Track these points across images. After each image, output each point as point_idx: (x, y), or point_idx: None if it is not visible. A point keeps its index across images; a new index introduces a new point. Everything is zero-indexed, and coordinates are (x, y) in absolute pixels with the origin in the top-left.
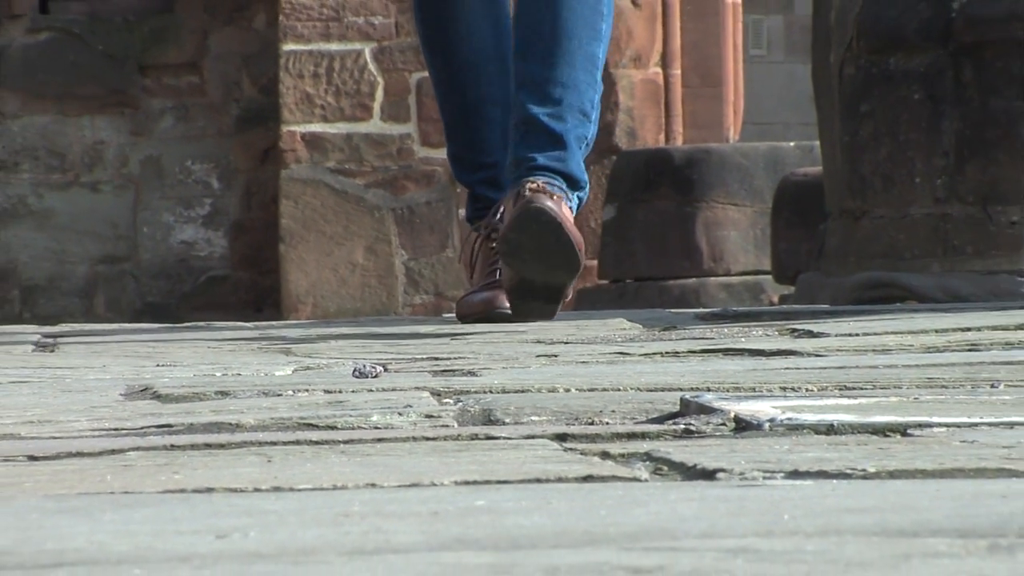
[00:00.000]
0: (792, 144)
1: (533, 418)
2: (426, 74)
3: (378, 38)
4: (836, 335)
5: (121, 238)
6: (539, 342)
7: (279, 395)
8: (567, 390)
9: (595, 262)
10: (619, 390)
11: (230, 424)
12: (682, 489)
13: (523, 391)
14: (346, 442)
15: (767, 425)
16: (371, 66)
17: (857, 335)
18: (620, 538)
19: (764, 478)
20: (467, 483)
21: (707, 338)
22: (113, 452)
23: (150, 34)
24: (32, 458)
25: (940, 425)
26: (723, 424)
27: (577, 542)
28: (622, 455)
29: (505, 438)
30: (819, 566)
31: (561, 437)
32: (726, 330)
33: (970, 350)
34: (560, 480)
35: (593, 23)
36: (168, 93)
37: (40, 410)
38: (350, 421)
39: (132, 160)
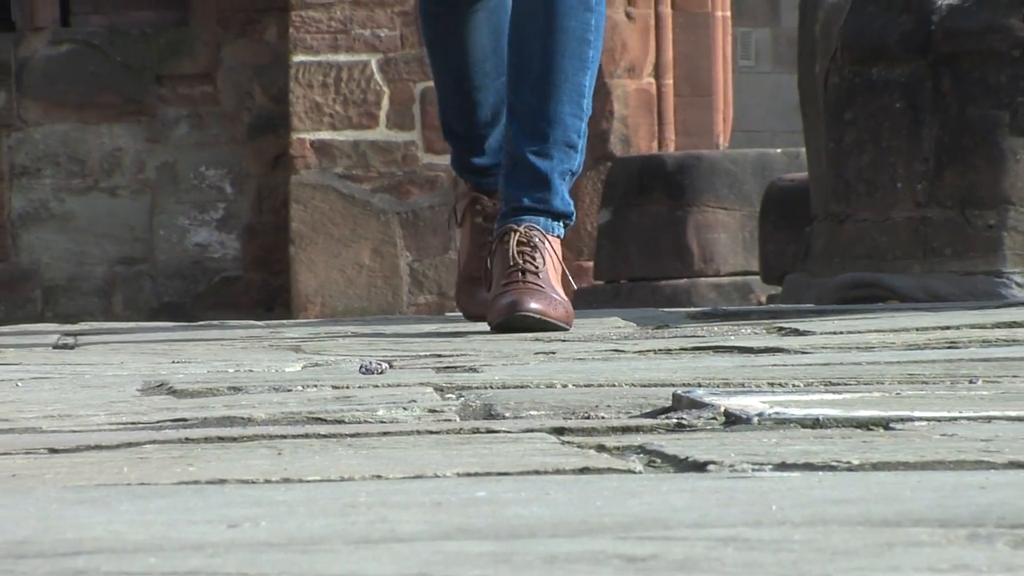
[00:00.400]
0: (779, 151)
1: (532, 412)
2: (430, 83)
3: (384, 50)
4: (821, 333)
5: (138, 240)
6: (537, 340)
7: (289, 391)
8: (564, 386)
9: (591, 263)
10: (614, 386)
11: (242, 418)
12: (674, 481)
13: (522, 387)
14: (353, 435)
15: (756, 419)
16: (377, 76)
17: (841, 333)
18: (615, 528)
19: (753, 470)
20: (469, 475)
21: (698, 336)
22: (130, 445)
23: (166, 46)
24: (52, 451)
25: (921, 419)
26: (714, 418)
27: (574, 531)
28: (617, 448)
29: (505, 432)
30: (806, 554)
31: (559, 431)
32: (716, 328)
33: (949, 347)
34: (558, 472)
35: (581, 54)
36: (183, 102)
37: (60, 405)
38: (357, 415)
39: (149, 166)
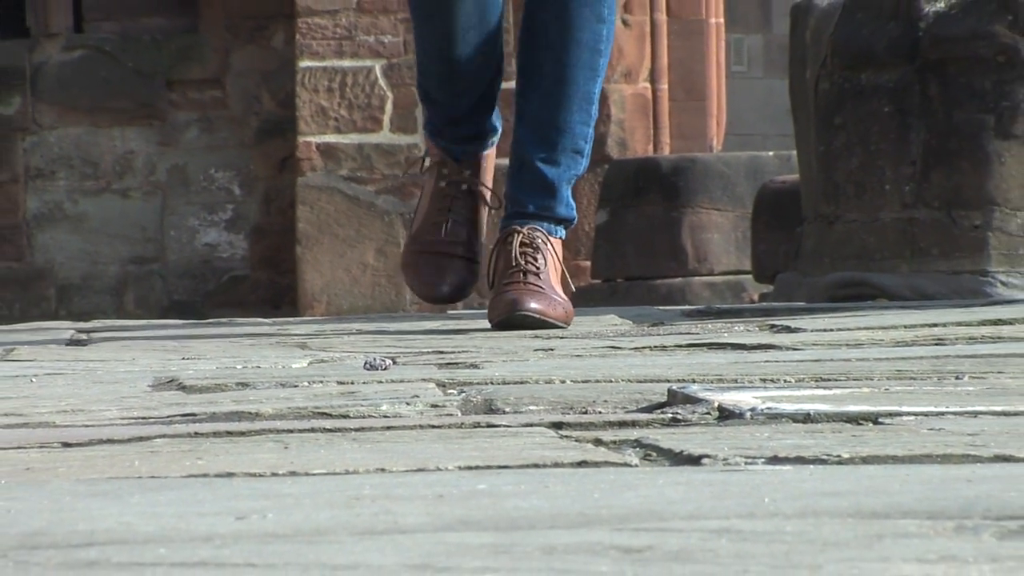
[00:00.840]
0: (771, 154)
1: (531, 407)
2: None
3: (387, 55)
4: (812, 330)
5: (149, 240)
6: (537, 337)
7: (295, 386)
8: (563, 381)
9: (588, 263)
10: (611, 381)
11: (250, 413)
12: (670, 474)
13: (522, 382)
14: (357, 430)
15: (748, 414)
16: (381, 81)
17: (832, 330)
18: (612, 519)
19: (746, 463)
20: (470, 468)
21: (692, 333)
22: (141, 439)
23: (176, 52)
24: (66, 445)
25: (909, 414)
26: (708, 413)
27: (572, 523)
28: (614, 442)
29: (505, 426)
30: (798, 545)
31: (557, 425)
32: (710, 326)
33: (936, 344)
34: (556, 465)
35: (592, 64)
36: (193, 106)
37: (73, 400)
38: (361, 410)
39: (160, 168)
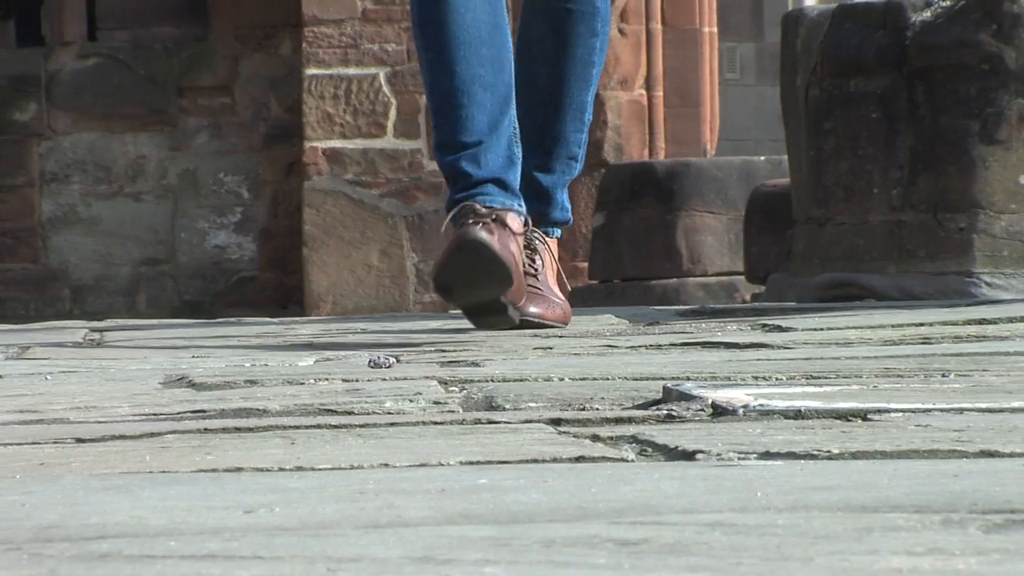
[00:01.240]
0: (763, 158)
1: (531, 404)
2: None
3: (391, 63)
4: (803, 330)
5: (161, 242)
6: (536, 336)
7: (302, 384)
8: (561, 379)
9: (586, 264)
10: (608, 379)
11: (258, 410)
12: (665, 469)
13: (521, 380)
14: (362, 426)
15: (741, 411)
16: (385, 88)
17: (822, 330)
18: (609, 513)
19: (739, 459)
20: (471, 463)
21: (687, 332)
22: (152, 435)
23: (187, 60)
24: (79, 440)
25: (897, 411)
26: (702, 410)
27: (570, 517)
28: (611, 438)
29: (505, 423)
30: (789, 538)
31: (556, 422)
32: (704, 325)
33: (923, 343)
34: (555, 461)
35: (586, 76)
36: (203, 113)
37: (87, 397)
38: (366, 407)
39: (171, 173)
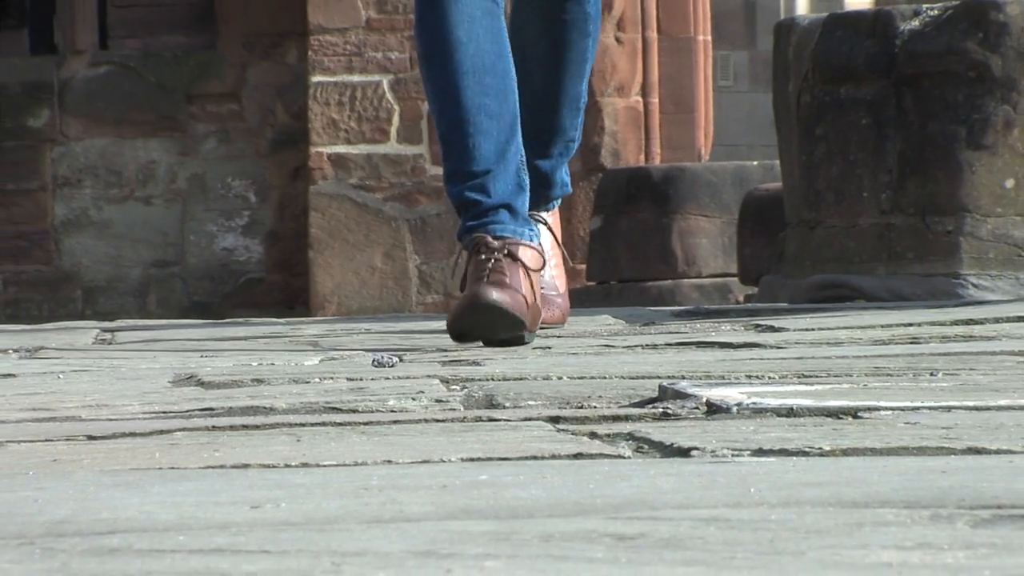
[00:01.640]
0: (756, 163)
1: (530, 403)
2: None
3: (395, 71)
4: (795, 330)
5: (170, 245)
6: (535, 335)
7: (307, 382)
8: (560, 378)
9: (584, 266)
10: (605, 378)
11: (264, 408)
12: (661, 465)
13: (521, 379)
14: (366, 424)
15: (735, 409)
16: (388, 95)
17: (813, 330)
18: (606, 508)
19: (733, 455)
20: (472, 460)
21: (682, 332)
22: (161, 432)
23: (196, 68)
24: (90, 437)
25: (887, 409)
26: (696, 408)
27: (569, 512)
28: (608, 435)
29: (505, 420)
30: (782, 533)
31: (554, 419)
32: (698, 325)
33: (912, 343)
34: (554, 457)
35: (579, 72)
36: (212, 119)
37: (98, 395)
38: (370, 405)
39: (180, 177)
